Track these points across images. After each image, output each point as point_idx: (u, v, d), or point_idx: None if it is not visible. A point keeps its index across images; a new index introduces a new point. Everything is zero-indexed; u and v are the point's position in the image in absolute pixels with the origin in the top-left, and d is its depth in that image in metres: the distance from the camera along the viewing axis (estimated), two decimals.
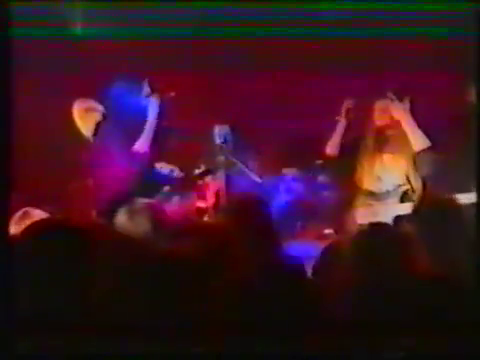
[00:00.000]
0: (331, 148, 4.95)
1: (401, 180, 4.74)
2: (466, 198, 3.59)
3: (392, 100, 4.74)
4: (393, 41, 5.81)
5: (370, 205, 4.74)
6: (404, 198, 4.66)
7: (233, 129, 5.72)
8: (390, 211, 4.57)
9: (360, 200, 4.80)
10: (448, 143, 4.79)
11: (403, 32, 5.78)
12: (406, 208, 4.08)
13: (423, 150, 4.62)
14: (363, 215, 4.67)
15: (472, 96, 4.75)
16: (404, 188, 4.72)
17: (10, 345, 1.94)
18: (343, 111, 4.94)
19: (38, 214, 3.57)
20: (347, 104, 4.94)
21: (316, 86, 6.03)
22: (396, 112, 4.73)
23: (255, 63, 6.02)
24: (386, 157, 4.80)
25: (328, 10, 5.87)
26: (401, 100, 4.74)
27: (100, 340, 1.96)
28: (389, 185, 4.76)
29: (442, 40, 5.73)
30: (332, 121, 5.05)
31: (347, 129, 4.91)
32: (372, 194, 4.78)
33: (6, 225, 2.66)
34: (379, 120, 4.82)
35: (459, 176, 4.46)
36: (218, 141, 5.70)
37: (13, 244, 2.20)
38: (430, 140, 4.62)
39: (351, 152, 4.87)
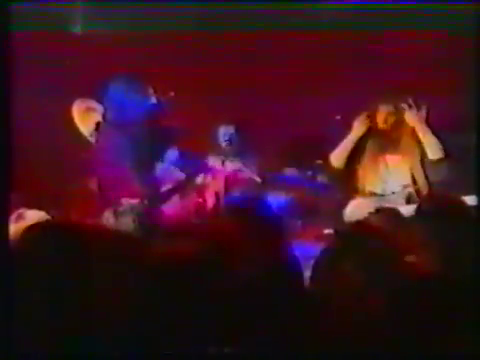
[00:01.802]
0: (337, 160, 4.77)
1: (406, 181, 4.69)
2: (468, 200, 3.57)
3: (410, 107, 4.63)
4: (394, 42, 5.83)
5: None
6: (410, 199, 4.60)
7: (237, 129, 5.72)
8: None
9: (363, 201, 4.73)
10: (450, 144, 4.77)
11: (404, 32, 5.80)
12: (412, 209, 4.03)
13: (438, 160, 4.56)
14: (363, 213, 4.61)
15: (472, 96, 4.73)
16: (409, 189, 4.66)
17: (9, 346, 1.93)
18: (357, 123, 4.71)
19: (32, 215, 3.55)
20: (363, 117, 4.72)
21: (317, 86, 6.04)
22: (411, 120, 4.64)
23: (256, 61, 6.03)
24: (390, 158, 4.75)
25: (330, 9, 5.89)
26: (418, 108, 4.64)
27: (100, 340, 1.95)
28: (394, 186, 4.70)
29: (442, 40, 5.75)
30: (333, 121, 5.03)
31: (357, 142, 4.71)
32: (376, 196, 4.72)
33: (6, 225, 2.66)
34: (384, 122, 4.73)
35: (461, 177, 4.43)
36: (222, 141, 5.69)
37: (12, 246, 2.19)
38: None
39: (354, 153, 4.77)
